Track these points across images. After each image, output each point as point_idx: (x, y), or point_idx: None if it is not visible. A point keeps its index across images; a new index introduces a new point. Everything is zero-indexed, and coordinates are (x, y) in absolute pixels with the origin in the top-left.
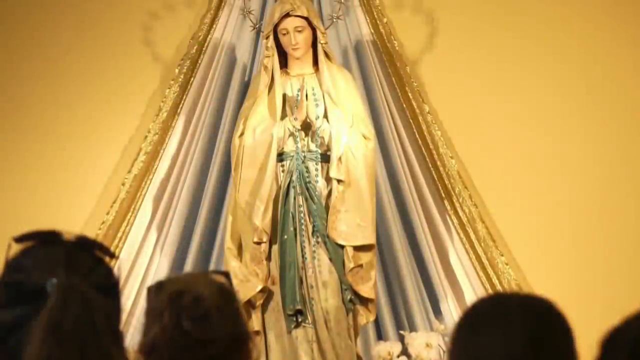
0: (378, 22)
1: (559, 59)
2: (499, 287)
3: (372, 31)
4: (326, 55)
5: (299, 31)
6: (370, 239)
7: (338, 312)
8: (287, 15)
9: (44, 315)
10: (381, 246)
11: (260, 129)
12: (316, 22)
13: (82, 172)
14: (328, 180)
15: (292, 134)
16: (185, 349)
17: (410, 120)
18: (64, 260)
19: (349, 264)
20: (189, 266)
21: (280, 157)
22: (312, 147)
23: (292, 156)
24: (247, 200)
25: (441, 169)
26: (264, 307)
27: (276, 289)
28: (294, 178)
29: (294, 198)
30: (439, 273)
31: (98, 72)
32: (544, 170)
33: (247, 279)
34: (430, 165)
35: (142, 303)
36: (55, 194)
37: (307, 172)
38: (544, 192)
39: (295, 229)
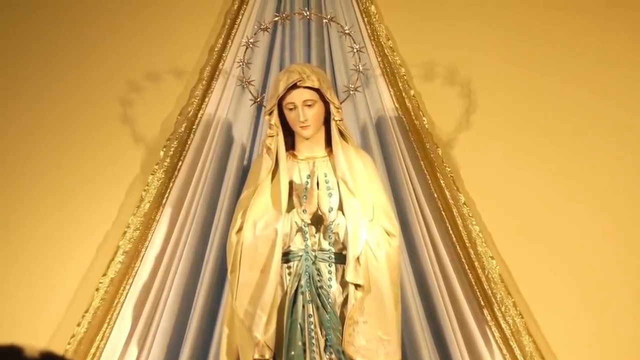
0: (404, 94)
1: (617, 141)
2: None
3: (397, 105)
4: (341, 134)
5: (309, 105)
6: (395, 356)
7: None
8: (295, 86)
9: None
10: None
11: (262, 223)
12: (329, 94)
13: (49, 275)
14: (344, 285)
15: (300, 230)
16: None
17: (443, 213)
18: None
19: None
20: None
21: (286, 257)
22: (325, 245)
23: (301, 256)
24: (247, 309)
25: (479, 271)
26: None
27: None
28: (302, 282)
29: (303, 306)
30: None
31: (67, 156)
32: (600, 273)
33: None
34: (466, 267)
35: None
36: (17, 301)
37: (318, 275)
38: (601, 299)
39: (304, 344)
